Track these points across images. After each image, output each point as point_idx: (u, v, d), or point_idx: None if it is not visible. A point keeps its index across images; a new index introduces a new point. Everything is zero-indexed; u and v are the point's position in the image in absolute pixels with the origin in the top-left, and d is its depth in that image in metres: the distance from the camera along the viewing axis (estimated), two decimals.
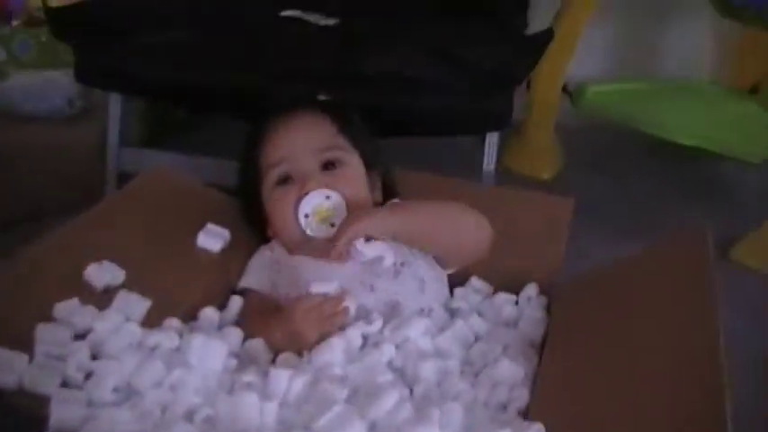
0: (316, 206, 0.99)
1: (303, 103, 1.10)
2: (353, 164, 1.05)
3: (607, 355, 0.85)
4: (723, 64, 2.23)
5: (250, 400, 0.77)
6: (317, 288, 0.92)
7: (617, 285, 0.98)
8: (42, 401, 0.75)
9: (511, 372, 0.87)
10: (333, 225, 0.98)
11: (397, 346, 0.90)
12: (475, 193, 1.11)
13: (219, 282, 1.02)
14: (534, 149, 2.02)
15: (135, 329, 0.84)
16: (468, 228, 1.02)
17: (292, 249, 1.04)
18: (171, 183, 1.15)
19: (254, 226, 1.09)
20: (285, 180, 1.02)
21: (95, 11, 1.46)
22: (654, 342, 0.84)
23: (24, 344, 0.80)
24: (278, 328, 0.91)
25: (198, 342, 0.82)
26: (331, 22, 1.51)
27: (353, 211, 0.99)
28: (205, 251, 1.03)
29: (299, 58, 1.37)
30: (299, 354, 0.88)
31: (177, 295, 0.94)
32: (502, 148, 1.88)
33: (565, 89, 1.99)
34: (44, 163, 1.62)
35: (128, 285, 0.91)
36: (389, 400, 0.79)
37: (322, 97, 1.15)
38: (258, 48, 1.40)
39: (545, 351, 0.91)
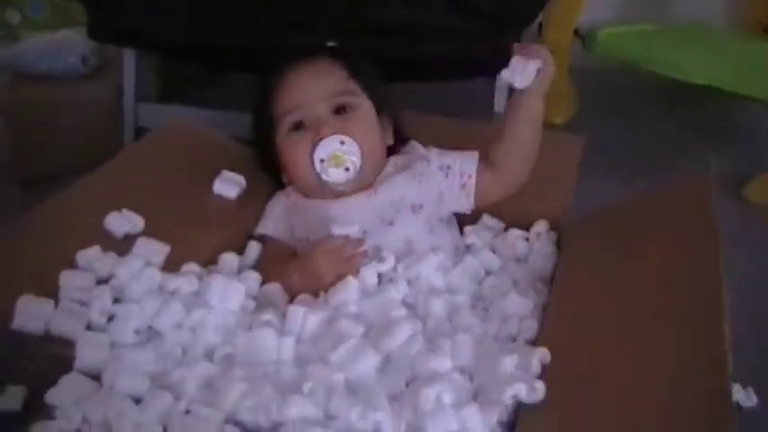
0: (330, 151, 1.00)
1: (313, 51, 1.10)
2: (365, 108, 1.07)
3: (612, 291, 0.87)
4: (736, 5, 2.22)
5: (268, 336, 0.80)
6: (339, 230, 0.95)
7: (624, 223, 0.99)
8: (68, 345, 0.78)
9: (520, 305, 0.89)
10: (347, 169, 1.00)
11: (409, 283, 0.92)
12: (485, 134, 1.12)
13: (236, 228, 1.04)
14: (547, 94, 2.01)
15: (155, 274, 0.87)
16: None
17: (309, 194, 1.06)
18: (187, 135, 1.17)
19: (270, 173, 1.11)
20: (298, 127, 1.04)
21: None
22: (657, 280, 0.86)
23: (49, 291, 0.83)
24: (295, 270, 0.94)
25: (217, 282, 0.85)
26: None
27: (367, 155, 1.02)
28: (221, 198, 1.05)
29: (309, 8, 1.38)
30: (316, 295, 0.91)
31: (195, 241, 0.96)
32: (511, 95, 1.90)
33: (577, 33, 1.99)
34: (61, 121, 1.63)
35: (147, 233, 0.94)
36: (403, 333, 0.82)
37: (331, 44, 1.16)
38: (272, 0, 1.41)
39: (554, 285, 0.93)
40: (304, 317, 0.83)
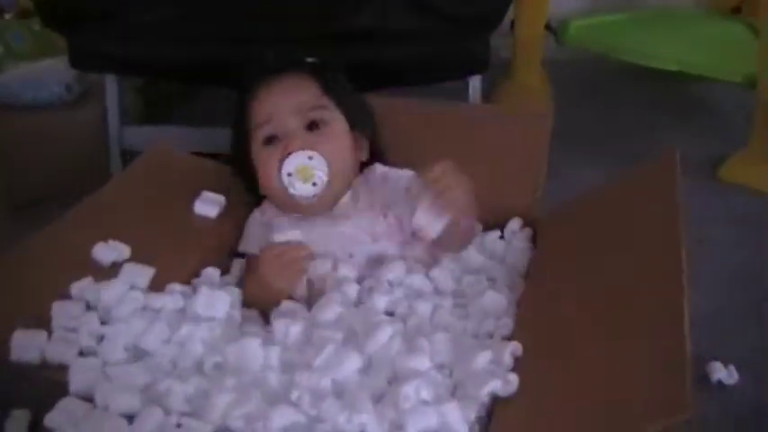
0: (298, 165, 1.02)
1: (288, 66, 1.12)
2: (336, 125, 1.08)
3: (583, 281, 0.91)
4: None
5: (255, 346, 0.84)
6: (280, 237, 0.99)
7: (594, 213, 1.03)
8: (64, 370, 0.82)
9: (496, 302, 0.93)
10: (315, 184, 1.02)
11: (390, 284, 0.97)
12: (460, 116, 1.17)
13: (218, 245, 1.08)
14: (522, 88, 2.05)
15: (139, 296, 0.90)
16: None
17: (281, 208, 1.09)
18: (168, 159, 1.20)
19: (249, 187, 1.12)
20: (271, 140, 1.06)
21: None
22: (625, 267, 0.89)
23: (42, 321, 0.86)
24: (252, 281, 0.98)
25: (203, 292, 0.90)
26: None
27: (335, 170, 1.04)
28: (203, 218, 1.08)
29: (279, 21, 1.41)
30: (278, 304, 0.95)
31: (179, 261, 0.99)
32: (490, 89, 1.93)
33: (548, 26, 2.02)
34: (48, 148, 1.65)
35: (132, 258, 0.97)
36: (383, 335, 0.85)
37: (309, 60, 1.16)
38: (241, 14, 1.44)
39: (528, 280, 0.97)
40: (286, 327, 0.87)
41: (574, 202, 1.08)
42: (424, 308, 0.93)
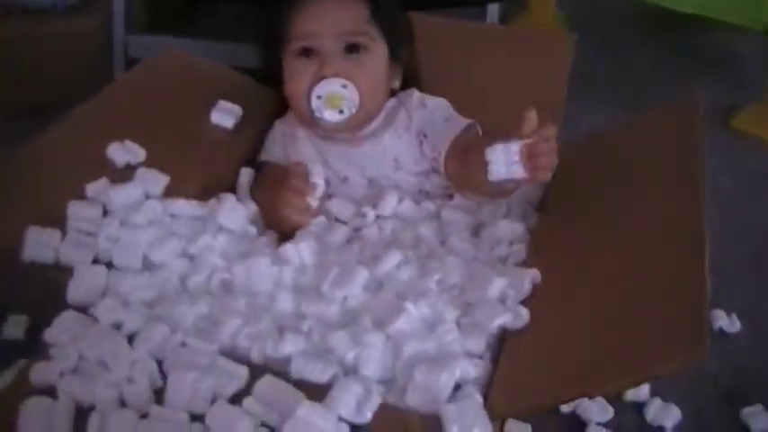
0: (330, 92, 0.99)
1: None
2: (377, 53, 1.03)
3: (599, 216, 0.90)
4: None
5: (264, 265, 0.83)
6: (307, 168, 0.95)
7: (612, 151, 1.01)
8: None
9: (510, 229, 0.91)
10: (342, 112, 0.99)
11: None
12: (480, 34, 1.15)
13: (234, 157, 1.05)
14: (537, 23, 2.02)
15: (155, 204, 0.88)
16: None
17: (303, 123, 1.06)
18: (182, 64, 1.16)
19: (276, 97, 1.10)
20: (306, 53, 1.01)
21: None
22: (644, 208, 0.88)
23: (55, 222, 0.84)
24: (264, 195, 0.98)
25: (228, 203, 0.89)
26: None
27: (366, 100, 1.00)
28: (219, 127, 1.05)
29: None
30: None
31: (194, 171, 0.97)
32: (507, 22, 1.90)
33: None
34: (49, 54, 1.63)
35: (147, 163, 0.94)
36: (393, 259, 0.85)
37: None
38: None
39: (542, 211, 0.96)
40: (297, 248, 0.86)
41: (590, 139, 1.06)
42: (431, 230, 0.93)
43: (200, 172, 0.98)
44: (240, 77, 1.16)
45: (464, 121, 1.02)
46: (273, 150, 1.07)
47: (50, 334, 0.74)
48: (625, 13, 2.12)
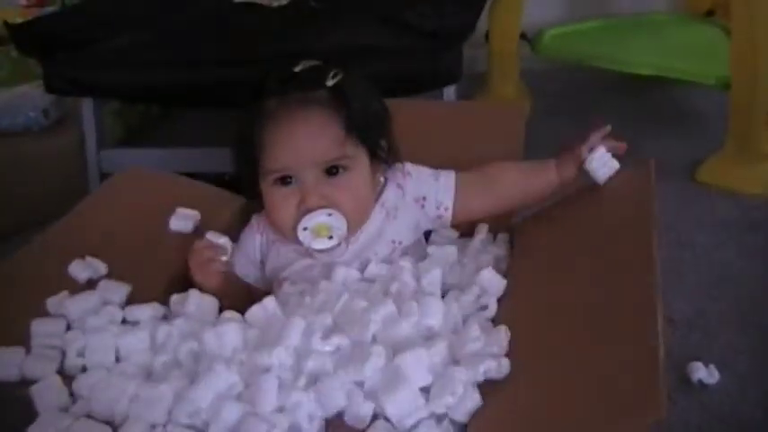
0: (316, 223, 0.97)
1: (308, 94, 0.98)
2: (358, 168, 1.00)
3: (557, 287, 0.91)
4: None
5: (234, 328, 0.85)
6: (211, 236, 1.01)
7: (568, 219, 1.03)
8: None
9: (492, 280, 0.93)
10: (331, 237, 0.97)
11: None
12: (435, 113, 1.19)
13: None
14: (499, 98, 2.06)
15: (116, 310, 0.91)
16: None
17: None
18: (143, 178, 1.20)
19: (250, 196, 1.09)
20: (285, 180, 0.98)
21: (54, 24, 1.53)
22: (599, 273, 0.89)
23: (20, 339, 0.86)
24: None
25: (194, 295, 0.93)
26: (284, 1, 1.56)
27: (354, 218, 0.99)
28: (179, 234, 1.07)
29: (253, 43, 1.43)
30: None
31: (155, 277, 0.99)
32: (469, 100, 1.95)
33: (524, 36, 2.04)
34: (27, 175, 1.66)
35: (108, 277, 0.97)
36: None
37: (332, 79, 1.00)
38: (215, 38, 1.45)
39: (508, 278, 0.96)
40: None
41: (549, 207, 1.09)
42: (408, 276, 0.94)
43: (161, 278, 1.00)
44: (197, 185, 1.19)
45: (450, 173, 1.06)
46: (242, 266, 1.07)
47: (34, 430, 0.76)
48: (586, 75, 2.17)
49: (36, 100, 1.70)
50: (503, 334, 0.82)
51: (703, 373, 1.17)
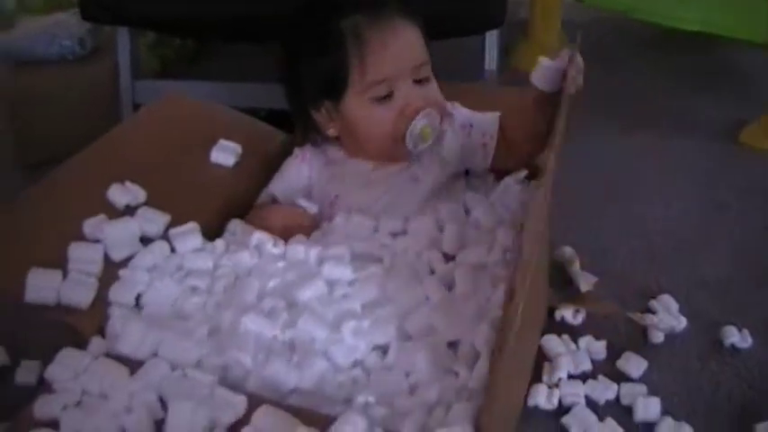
0: (422, 126, 1.04)
1: (385, 8, 1.06)
2: (433, 77, 1.09)
3: None
4: None
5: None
6: (304, 203, 1.04)
7: None
8: (77, 314, 0.82)
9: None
10: (426, 141, 1.06)
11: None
12: (474, 96, 1.15)
13: (235, 195, 1.06)
14: (540, 48, 2.01)
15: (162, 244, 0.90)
16: None
17: (354, 154, 1.10)
18: (182, 106, 1.18)
19: (301, 126, 1.12)
20: (384, 98, 1.05)
21: None
22: None
23: (56, 264, 0.85)
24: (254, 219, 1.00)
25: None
26: None
27: (442, 121, 1.07)
28: (219, 166, 1.07)
29: None
30: None
31: (194, 210, 0.98)
32: (511, 49, 1.90)
33: None
34: (61, 104, 1.65)
35: (147, 204, 0.96)
36: None
37: None
38: None
39: None
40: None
41: None
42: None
43: (201, 211, 0.99)
44: (240, 116, 1.18)
45: (495, 113, 1.10)
46: (287, 190, 1.10)
47: (52, 371, 0.75)
48: (630, 29, 2.12)
49: (72, 28, 1.69)
50: None
51: (736, 337, 1.15)
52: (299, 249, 0.91)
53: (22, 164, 1.66)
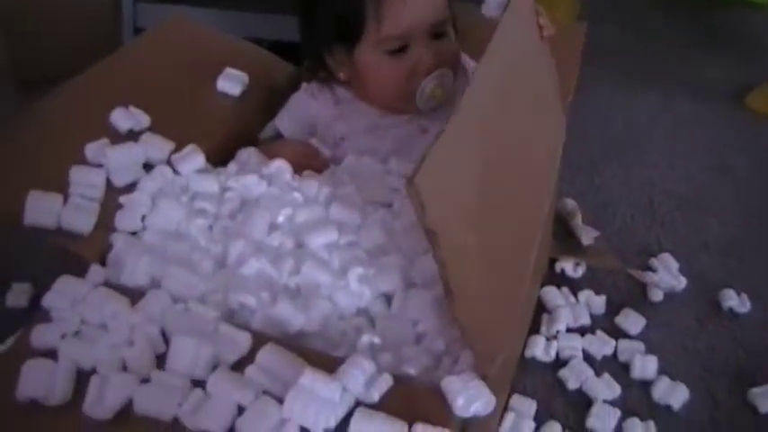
0: (432, 87, 1.03)
1: None
2: (452, 33, 1.07)
3: None
4: None
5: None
6: (316, 143, 1.04)
7: None
8: (77, 239, 0.80)
9: None
10: (436, 100, 1.05)
11: None
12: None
13: (240, 124, 1.04)
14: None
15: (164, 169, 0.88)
16: None
17: (381, 105, 1.08)
18: (188, 31, 1.14)
19: (314, 64, 1.10)
20: (397, 50, 1.02)
21: None
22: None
23: (56, 186, 0.83)
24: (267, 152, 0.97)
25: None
26: None
27: (455, 79, 1.05)
28: (225, 95, 1.04)
29: None
30: None
31: (199, 138, 0.94)
32: None
33: None
34: (58, 22, 1.61)
35: (151, 130, 0.93)
36: None
37: None
38: None
39: None
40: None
41: None
42: None
43: (205, 139, 0.96)
44: (246, 45, 1.15)
45: None
46: (289, 122, 1.08)
47: (49, 298, 0.73)
48: None
49: None
50: None
51: (735, 301, 1.15)
52: (313, 184, 0.88)
53: (14, 81, 1.62)
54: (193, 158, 0.89)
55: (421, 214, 0.61)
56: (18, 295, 1.06)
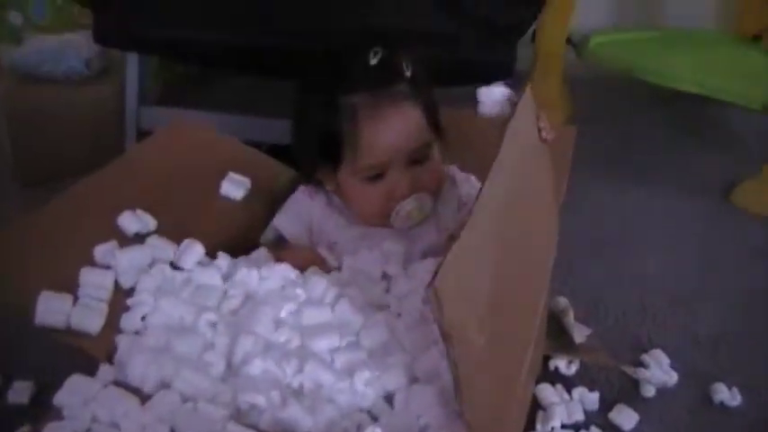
0: (408, 210, 1.04)
1: (393, 88, 1.03)
2: (436, 155, 1.07)
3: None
4: (726, 12, 2.26)
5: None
6: (323, 251, 1.04)
7: None
8: (86, 338, 0.82)
9: None
10: (413, 221, 1.06)
11: None
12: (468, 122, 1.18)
13: (243, 228, 1.07)
14: (541, 100, 2.02)
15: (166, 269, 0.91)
16: None
17: (367, 221, 1.09)
18: (190, 135, 1.18)
19: (306, 170, 1.12)
20: (374, 177, 1.04)
21: None
22: None
23: (65, 287, 0.85)
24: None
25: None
26: None
27: (434, 199, 1.07)
28: (228, 198, 1.07)
29: (308, 16, 1.41)
30: None
31: (203, 242, 0.97)
32: None
33: (569, 40, 2.01)
34: (64, 123, 1.65)
35: (157, 233, 0.96)
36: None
37: (380, 51, 1.03)
38: (272, 5, 1.43)
39: None
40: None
41: None
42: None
43: (209, 243, 0.98)
44: (248, 150, 1.18)
45: None
46: (289, 223, 1.10)
47: (61, 396, 0.75)
48: (628, 85, 2.15)
49: (80, 49, 1.69)
50: None
51: (725, 394, 1.16)
52: (320, 282, 0.91)
53: (20, 182, 1.65)
54: (192, 250, 0.92)
55: (440, 317, 0.63)
56: (20, 392, 1.08)
